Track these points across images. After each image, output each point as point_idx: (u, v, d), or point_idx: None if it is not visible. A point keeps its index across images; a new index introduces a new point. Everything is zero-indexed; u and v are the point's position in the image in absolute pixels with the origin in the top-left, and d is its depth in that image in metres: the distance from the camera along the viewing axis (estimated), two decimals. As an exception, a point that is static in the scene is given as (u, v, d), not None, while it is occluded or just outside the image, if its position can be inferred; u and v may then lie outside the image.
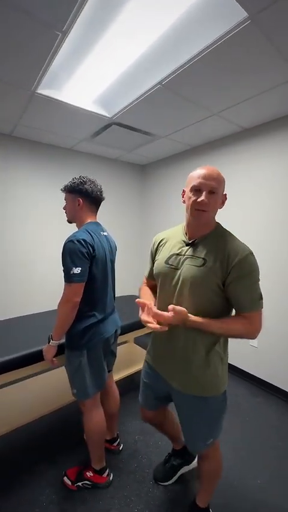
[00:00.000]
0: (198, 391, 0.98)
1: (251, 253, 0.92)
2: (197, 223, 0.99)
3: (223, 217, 2.46)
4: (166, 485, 1.40)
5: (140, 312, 0.95)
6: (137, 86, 1.63)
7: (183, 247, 1.02)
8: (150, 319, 0.89)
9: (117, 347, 1.55)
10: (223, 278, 0.91)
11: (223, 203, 1.00)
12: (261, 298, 0.94)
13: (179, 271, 0.98)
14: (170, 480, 1.41)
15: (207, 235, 0.99)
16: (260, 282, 0.95)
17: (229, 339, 1.05)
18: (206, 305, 0.94)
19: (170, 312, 0.87)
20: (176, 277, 0.99)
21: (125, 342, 2.55)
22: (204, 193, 0.92)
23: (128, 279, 3.32)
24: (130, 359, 2.26)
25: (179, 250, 1.02)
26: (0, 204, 2.38)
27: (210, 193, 0.93)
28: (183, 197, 1.03)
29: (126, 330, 1.85)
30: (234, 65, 1.39)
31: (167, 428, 1.38)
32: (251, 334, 0.94)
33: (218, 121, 2.08)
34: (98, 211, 1.40)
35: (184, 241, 1.03)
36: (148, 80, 1.57)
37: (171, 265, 1.02)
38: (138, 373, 2.14)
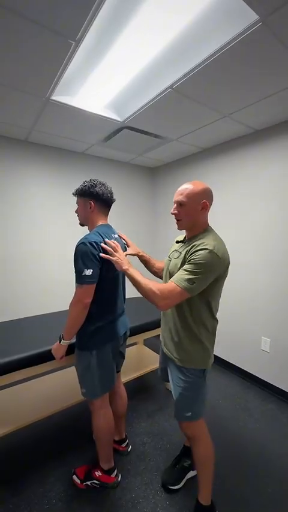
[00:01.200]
0: (176, 360, 1.19)
1: (209, 250, 1.03)
2: (179, 228, 1.21)
3: (233, 217, 2.42)
4: (175, 490, 1.39)
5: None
6: (148, 90, 1.65)
7: (179, 244, 1.28)
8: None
9: (126, 349, 1.57)
10: (184, 263, 1.11)
11: (203, 209, 1.15)
12: (189, 283, 1.01)
13: (170, 262, 1.25)
14: (179, 484, 1.41)
15: (195, 236, 1.18)
16: (204, 277, 1.04)
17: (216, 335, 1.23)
18: None
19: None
20: (166, 267, 1.27)
21: (134, 344, 2.56)
22: (174, 206, 1.17)
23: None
24: (139, 361, 2.27)
25: (177, 247, 1.27)
26: (15, 206, 2.46)
27: (179, 205, 1.15)
28: None
29: (135, 331, 1.86)
30: (246, 67, 1.39)
31: None
32: (156, 296, 1.05)
33: (229, 123, 2.07)
34: (109, 214, 1.42)
35: (178, 241, 1.31)
36: (159, 84, 1.58)
37: (169, 258, 1.28)
38: (147, 375, 2.15)
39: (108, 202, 1.38)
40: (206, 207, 1.15)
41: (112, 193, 1.38)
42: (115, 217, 3.10)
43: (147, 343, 2.65)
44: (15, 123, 2.09)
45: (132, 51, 1.35)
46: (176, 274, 1.07)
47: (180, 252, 1.18)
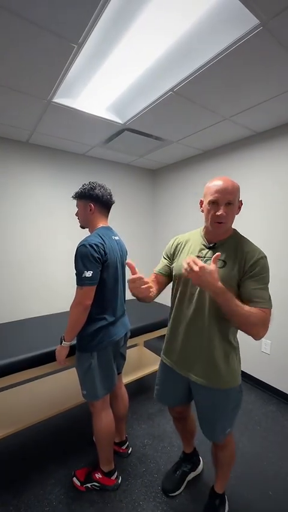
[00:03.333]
0: (221, 384, 1.05)
1: (265, 256, 1.01)
2: (216, 232, 1.06)
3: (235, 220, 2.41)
4: (175, 495, 1.39)
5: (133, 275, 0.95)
6: (149, 93, 1.66)
7: (203, 250, 1.10)
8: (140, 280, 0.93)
9: (127, 350, 1.57)
10: (240, 277, 0.99)
11: (239, 209, 1.06)
12: (270, 299, 0.99)
13: None
14: (179, 490, 1.40)
15: (226, 240, 1.07)
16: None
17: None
18: None
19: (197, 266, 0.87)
20: None
21: (134, 345, 2.56)
22: (222, 207, 0.99)
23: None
24: (140, 362, 2.27)
25: (199, 253, 1.10)
26: (16, 208, 2.47)
27: (227, 205, 1.00)
28: (201, 206, 1.10)
29: (136, 333, 1.86)
30: (247, 70, 1.40)
31: (189, 426, 1.42)
32: (263, 327, 0.94)
33: (230, 125, 2.08)
34: (110, 216, 1.43)
35: (204, 245, 1.11)
36: (160, 87, 1.59)
37: None
38: (147, 376, 2.14)
39: (108, 204, 1.38)
40: (240, 207, 1.06)
41: (111, 194, 1.39)
42: (116, 219, 3.11)
43: (148, 344, 2.65)
44: (17, 125, 2.11)
45: (134, 54, 1.36)
46: (257, 294, 0.95)
47: (224, 261, 1.01)
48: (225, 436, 1.14)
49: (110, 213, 1.43)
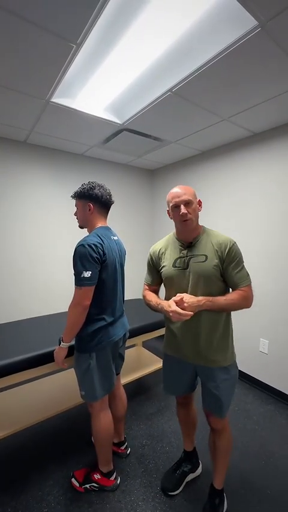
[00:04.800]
0: (222, 363, 1.19)
1: (235, 242, 1.18)
2: (187, 230, 1.20)
3: (233, 220, 2.43)
4: (174, 495, 1.39)
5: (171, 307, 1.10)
6: (148, 93, 1.66)
7: (183, 250, 1.22)
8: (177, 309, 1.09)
9: (125, 350, 1.57)
10: (221, 265, 1.15)
11: (200, 206, 1.22)
12: (248, 275, 1.18)
13: (188, 270, 1.18)
14: (178, 489, 1.41)
15: (199, 237, 1.21)
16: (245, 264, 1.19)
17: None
18: (215, 290, 1.16)
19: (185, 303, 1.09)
20: (187, 275, 1.18)
21: (133, 346, 2.56)
22: (182, 206, 1.15)
23: (138, 282, 3.33)
24: (138, 363, 2.26)
25: (181, 254, 1.22)
26: (14, 207, 2.46)
27: (186, 204, 1.15)
28: (169, 215, 1.24)
29: (135, 333, 1.87)
30: (245, 71, 1.40)
31: (191, 415, 1.46)
32: (247, 303, 1.15)
33: (228, 126, 2.08)
34: (108, 216, 1.42)
35: (182, 246, 1.23)
36: (158, 88, 1.59)
37: (178, 267, 1.21)
38: (146, 377, 2.14)
39: (107, 204, 1.38)
40: (201, 204, 1.22)
41: (111, 194, 1.39)
42: (114, 219, 3.10)
43: (146, 345, 2.65)
44: (15, 125, 2.10)
45: (132, 54, 1.36)
46: (238, 276, 1.14)
47: (205, 255, 1.15)
48: (228, 410, 1.24)
49: (109, 214, 1.43)
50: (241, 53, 1.26)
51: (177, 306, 1.08)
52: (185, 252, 1.21)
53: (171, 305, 1.09)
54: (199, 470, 1.51)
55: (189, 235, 1.21)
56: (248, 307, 1.16)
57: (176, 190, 1.18)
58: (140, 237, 3.39)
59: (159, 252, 1.31)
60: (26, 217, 2.52)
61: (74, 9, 1.03)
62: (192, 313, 1.07)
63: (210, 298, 1.11)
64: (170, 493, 1.39)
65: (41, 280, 2.65)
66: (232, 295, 1.14)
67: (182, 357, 1.25)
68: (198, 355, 1.20)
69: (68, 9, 1.03)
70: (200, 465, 1.53)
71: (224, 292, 1.19)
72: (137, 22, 1.16)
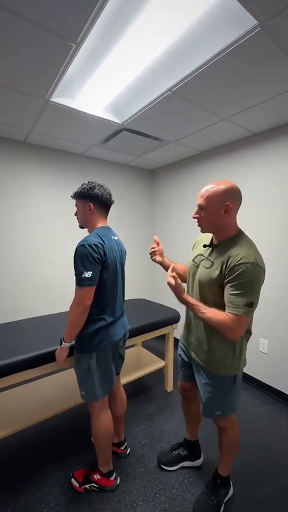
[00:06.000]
0: (214, 369, 1.17)
1: (251, 262, 0.98)
2: (203, 231, 1.18)
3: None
4: (169, 471, 1.51)
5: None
6: (147, 93, 1.66)
7: (205, 249, 1.20)
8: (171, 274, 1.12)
9: (125, 350, 1.56)
10: (223, 278, 1.05)
11: (226, 212, 1.07)
12: (249, 306, 0.99)
13: (198, 269, 1.19)
14: (173, 467, 1.51)
15: (224, 242, 1.12)
16: (256, 293, 1.03)
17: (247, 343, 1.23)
18: (210, 298, 1.13)
19: (171, 278, 1.10)
20: (196, 273, 1.20)
21: (133, 345, 2.56)
22: (196, 209, 1.13)
23: (138, 282, 3.34)
24: (138, 363, 2.27)
25: (202, 251, 1.21)
26: (14, 207, 2.45)
27: (200, 208, 1.11)
28: None
29: (135, 333, 1.87)
30: (245, 71, 1.40)
31: (193, 409, 1.50)
32: (228, 331, 1.03)
33: (228, 126, 2.08)
34: (108, 215, 1.42)
35: (205, 245, 1.20)
36: (158, 87, 1.59)
37: (195, 263, 1.23)
38: (146, 377, 2.14)
39: (108, 204, 1.38)
40: (229, 210, 1.05)
41: (111, 194, 1.39)
42: (114, 219, 3.09)
43: (146, 345, 2.65)
44: (14, 125, 2.09)
45: (132, 54, 1.36)
46: (230, 299, 1.01)
47: (212, 262, 1.10)
48: (212, 416, 1.25)
49: (108, 213, 1.42)
50: (241, 52, 1.26)
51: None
52: (204, 251, 1.19)
53: (170, 271, 1.14)
54: (199, 462, 1.55)
55: (216, 236, 1.16)
56: (230, 338, 1.05)
57: (202, 189, 1.10)
58: (139, 237, 3.38)
59: (197, 242, 1.35)
60: (26, 217, 2.52)
61: (73, 9, 1.03)
62: (172, 282, 1.09)
63: (192, 300, 1.12)
64: (163, 467, 1.51)
65: (41, 280, 2.64)
66: (214, 314, 1.04)
67: (187, 346, 1.32)
68: (190, 345, 1.27)
69: (67, 9, 1.03)
70: (202, 458, 1.55)
71: (222, 304, 1.06)
72: (136, 22, 1.16)
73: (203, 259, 1.17)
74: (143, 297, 3.01)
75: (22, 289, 2.55)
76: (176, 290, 1.11)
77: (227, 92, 1.60)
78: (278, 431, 1.84)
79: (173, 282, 1.09)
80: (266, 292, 2.20)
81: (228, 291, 1.02)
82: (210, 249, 1.16)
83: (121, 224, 3.17)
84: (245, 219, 2.35)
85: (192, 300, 1.12)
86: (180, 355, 1.43)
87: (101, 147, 2.57)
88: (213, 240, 1.18)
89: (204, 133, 2.22)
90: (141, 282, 3.37)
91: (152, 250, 1.40)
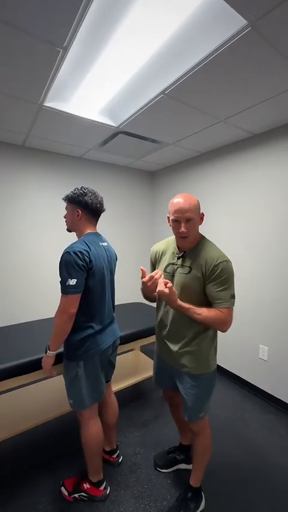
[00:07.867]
0: (192, 370, 1.20)
1: (226, 260, 1.12)
2: (182, 243, 1.21)
3: (233, 221, 2.37)
4: (164, 472, 1.53)
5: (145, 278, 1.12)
6: (141, 95, 1.63)
7: (175, 258, 1.24)
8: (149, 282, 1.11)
9: (123, 355, 1.54)
10: (204, 281, 1.13)
11: (202, 220, 1.19)
12: (233, 298, 1.13)
13: (174, 278, 1.21)
14: (168, 469, 1.54)
15: (193, 248, 1.20)
16: (234, 285, 1.15)
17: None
18: (195, 302, 1.15)
19: (167, 288, 1.07)
20: (173, 282, 1.20)
21: (130, 350, 2.53)
22: (182, 224, 1.13)
23: (137, 286, 3.30)
24: (135, 368, 2.24)
25: (173, 260, 1.24)
26: (12, 211, 2.46)
27: (187, 221, 1.13)
28: (168, 222, 1.21)
29: (131, 338, 1.85)
30: (237, 72, 1.36)
31: (182, 414, 1.45)
32: (223, 324, 1.12)
33: (226, 127, 2.04)
34: (108, 219, 1.41)
35: (176, 254, 1.24)
36: (151, 90, 1.56)
37: (168, 272, 1.25)
38: (142, 382, 2.11)
39: (97, 212, 1.36)
40: (203, 218, 1.19)
41: (102, 203, 1.37)
42: (115, 221, 3.10)
43: (144, 349, 2.62)
44: (11, 129, 2.10)
45: (121, 57, 1.33)
46: (218, 296, 1.10)
47: (190, 267, 1.16)
48: (196, 420, 1.25)
49: (109, 216, 1.41)
50: (233, 53, 1.22)
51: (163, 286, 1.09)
52: (176, 260, 1.22)
53: (158, 273, 1.11)
54: None
55: (185, 245, 1.21)
56: (223, 330, 1.14)
57: (180, 203, 1.12)
58: (141, 239, 3.35)
59: (156, 253, 1.36)
60: (27, 220, 2.53)
61: (55, 13, 1.02)
62: (166, 291, 1.05)
63: (185, 305, 1.12)
64: (159, 469, 1.54)
65: (37, 285, 2.64)
66: (209, 312, 1.11)
67: (163, 357, 1.33)
68: (170, 356, 1.26)
69: (49, 13, 1.02)
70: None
71: (206, 305, 1.16)
72: (124, 24, 1.13)
73: (178, 267, 1.21)
74: (142, 301, 2.98)
75: (19, 294, 2.55)
76: (170, 298, 1.09)
77: (222, 93, 1.56)
78: (278, 442, 1.78)
79: (167, 290, 1.06)
80: (266, 298, 2.15)
81: (212, 289, 1.11)
82: (180, 258, 1.21)
83: (122, 225, 3.15)
84: (246, 221, 2.30)
85: (186, 305, 1.12)
86: (158, 368, 1.42)
87: (99, 150, 2.56)
88: (181, 248, 1.22)
89: (202, 134, 2.18)
90: (139, 286, 3.34)
91: (153, 280, 1.13)
